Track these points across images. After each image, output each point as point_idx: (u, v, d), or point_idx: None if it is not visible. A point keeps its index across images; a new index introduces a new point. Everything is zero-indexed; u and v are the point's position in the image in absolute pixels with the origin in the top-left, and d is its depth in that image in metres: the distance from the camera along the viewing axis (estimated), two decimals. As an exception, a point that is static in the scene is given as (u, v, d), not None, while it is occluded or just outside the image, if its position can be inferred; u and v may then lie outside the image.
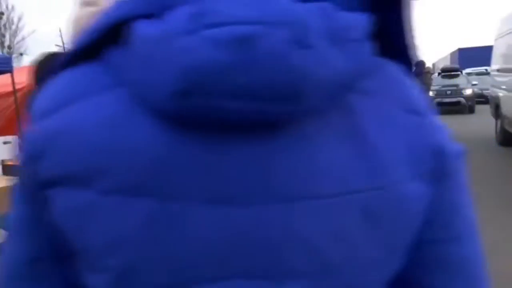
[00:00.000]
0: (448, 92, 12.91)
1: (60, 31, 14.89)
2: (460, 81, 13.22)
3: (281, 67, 0.28)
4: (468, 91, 12.76)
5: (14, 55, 22.39)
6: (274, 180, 0.31)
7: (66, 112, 0.33)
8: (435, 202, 0.35)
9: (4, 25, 23.77)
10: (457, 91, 12.78)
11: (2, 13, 23.46)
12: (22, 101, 6.90)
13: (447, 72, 13.85)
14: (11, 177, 0.44)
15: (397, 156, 0.33)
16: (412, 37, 0.38)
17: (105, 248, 0.32)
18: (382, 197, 0.33)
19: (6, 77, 5.97)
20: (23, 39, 24.28)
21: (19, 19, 24.38)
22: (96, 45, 0.34)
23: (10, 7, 23.75)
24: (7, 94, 6.41)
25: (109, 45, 0.33)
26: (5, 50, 23.35)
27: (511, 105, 6.27)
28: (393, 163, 0.33)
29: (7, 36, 23.99)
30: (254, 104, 0.29)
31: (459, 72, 13.82)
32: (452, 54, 30.21)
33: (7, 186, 2.51)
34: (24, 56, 23.14)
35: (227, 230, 0.31)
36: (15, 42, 24.05)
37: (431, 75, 12.34)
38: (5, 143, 6.93)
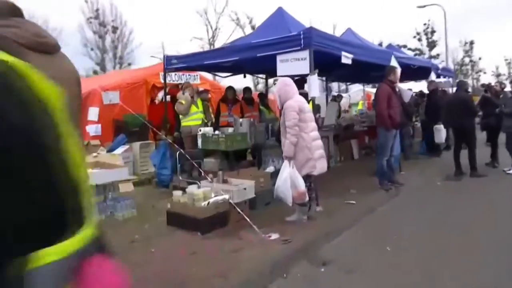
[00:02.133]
0: None
1: (162, 44, 16.98)
2: None
3: None
4: None
5: (124, 65, 25.62)
6: None
7: None
8: None
9: (118, 38, 26.30)
10: None
11: (116, 28, 26.03)
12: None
13: None
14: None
15: None
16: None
17: None
18: None
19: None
20: (132, 51, 26.69)
21: (130, 33, 26.83)
22: None
23: (123, 22, 26.37)
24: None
25: None
26: (117, 60, 26.17)
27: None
28: None
29: (119, 48, 26.52)
30: None
31: None
32: None
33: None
34: (132, 66, 25.27)
35: None
36: (125, 53, 26.52)
37: None
38: None
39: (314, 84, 5.15)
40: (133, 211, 5.27)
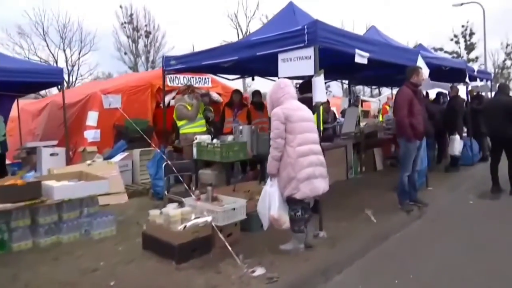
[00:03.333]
0: None
1: (193, 48, 17.26)
2: None
3: None
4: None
5: (156, 69, 26.28)
6: None
7: None
8: None
9: (150, 42, 26.99)
10: None
11: (149, 32, 26.82)
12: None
13: None
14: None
15: None
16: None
17: None
18: None
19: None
20: (164, 55, 27.20)
21: (162, 37, 27.44)
22: None
23: (156, 26, 26.96)
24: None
25: None
26: (149, 64, 26.71)
27: None
28: None
29: (152, 52, 27.23)
30: None
31: None
32: None
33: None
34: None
35: None
36: (157, 57, 26.76)
37: None
38: (51, 154, 7.19)
39: (320, 87, 4.38)
40: (112, 229, 4.69)
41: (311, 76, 4.69)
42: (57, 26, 22.27)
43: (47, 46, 22.13)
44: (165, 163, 4.86)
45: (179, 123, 6.16)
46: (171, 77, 8.55)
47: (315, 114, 4.56)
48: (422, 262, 3.84)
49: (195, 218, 3.90)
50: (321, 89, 4.39)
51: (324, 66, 4.44)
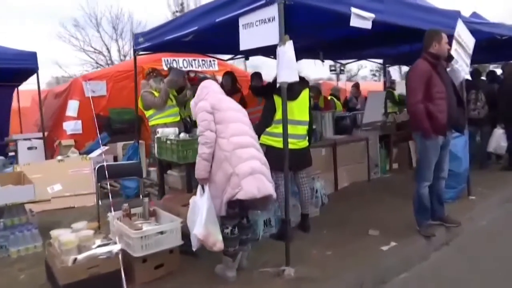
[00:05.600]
0: None
1: None
2: None
3: None
4: None
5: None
6: None
7: None
8: None
9: None
10: None
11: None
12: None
13: None
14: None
15: None
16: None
17: None
18: None
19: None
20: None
21: None
22: None
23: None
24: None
25: None
26: None
27: None
28: None
29: None
30: None
31: None
32: None
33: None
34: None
35: None
36: None
37: None
38: (29, 148, 6.72)
39: (286, 62, 3.04)
40: (36, 246, 3.80)
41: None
42: (110, 17, 22.46)
43: (101, 37, 22.36)
44: (99, 165, 3.83)
45: (147, 113, 5.12)
46: (167, 60, 7.55)
47: (276, 101, 3.29)
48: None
49: (98, 246, 2.84)
50: (287, 64, 3.06)
51: (337, 38, 3.14)
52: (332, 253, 3.41)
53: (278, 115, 3.69)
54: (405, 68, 13.24)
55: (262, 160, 2.94)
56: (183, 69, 7.86)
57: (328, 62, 10.61)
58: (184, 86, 5.29)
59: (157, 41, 4.76)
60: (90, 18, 21.81)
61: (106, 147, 6.35)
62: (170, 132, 4.52)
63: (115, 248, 2.80)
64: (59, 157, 5.86)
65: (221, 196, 2.77)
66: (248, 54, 6.27)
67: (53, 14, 36.99)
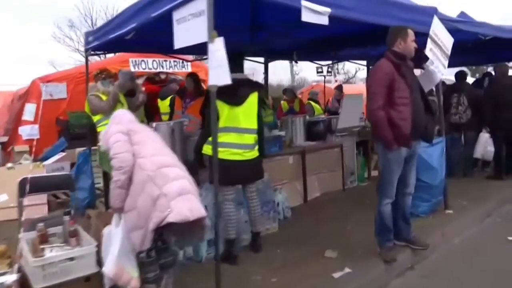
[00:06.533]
0: None
1: None
2: None
3: None
4: None
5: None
6: None
7: None
8: None
9: None
10: None
11: None
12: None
13: None
14: None
15: None
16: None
17: None
18: None
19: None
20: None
21: None
22: None
23: None
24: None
25: None
26: None
27: None
28: None
29: None
30: None
31: None
32: None
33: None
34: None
35: None
36: None
37: None
38: None
39: (215, 61, 2.63)
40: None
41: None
42: (105, 17, 22.15)
43: (95, 37, 22.17)
44: (22, 177, 3.42)
45: (94, 118, 4.68)
46: (135, 61, 7.14)
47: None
48: None
49: (-11, 277, 2.42)
50: (217, 64, 2.64)
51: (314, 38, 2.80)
52: (277, 281, 2.99)
53: (222, 122, 3.29)
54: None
55: (190, 180, 2.53)
56: (152, 70, 7.48)
57: (315, 65, 10.23)
58: (135, 89, 4.89)
59: (103, 40, 4.35)
60: (85, 18, 21.52)
61: (63, 153, 5.93)
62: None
63: (9, 279, 2.38)
64: (9, 164, 5.44)
65: (144, 225, 2.32)
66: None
67: (49, 15, 36.76)
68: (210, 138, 3.32)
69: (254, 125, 3.39)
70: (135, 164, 2.39)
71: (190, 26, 2.84)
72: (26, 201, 5.18)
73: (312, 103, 7.91)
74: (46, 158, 6.00)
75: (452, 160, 6.45)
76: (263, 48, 5.89)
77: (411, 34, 3.15)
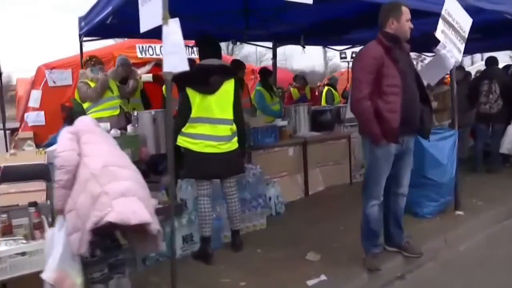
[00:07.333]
0: None
1: None
2: None
3: None
4: None
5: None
6: None
7: None
8: None
9: None
10: None
11: None
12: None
13: None
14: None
15: None
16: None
17: None
18: None
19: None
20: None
21: None
22: None
23: None
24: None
25: None
26: None
27: None
28: None
29: None
30: None
31: None
32: None
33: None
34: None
35: None
36: None
37: None
38: None
39: (170, 46, 2.37)
40: None
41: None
42: None
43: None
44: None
45: (84, 106, 4.60)
46: (142, 47, 7.01)
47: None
48: None
49: None
50: (172, 49, 2.39)
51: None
52: (246, 285, 2.75)
53: (194, 112, 3.05)
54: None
55: (142, 184, 2.33)
56: (160, 56, 7.31)
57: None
58: (128, 77, 4.72)
59: (90, 25, 4.20)
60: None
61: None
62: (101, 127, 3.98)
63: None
64: (12, 151, 5.49)
65: (82, 227, 2.14)
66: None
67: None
68: (183, 129, 3.12)
69: (229, 115, 3.12)
70: (80, 163, 2.22)
71: (151, 7, 2.60)
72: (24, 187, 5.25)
73: (332, 89, 7.57)
74: (50, 144, 6.02)
75: (476, 154, 5.90)
76: (265, 33, 5.58)
77: (405, 12, 2.74)
